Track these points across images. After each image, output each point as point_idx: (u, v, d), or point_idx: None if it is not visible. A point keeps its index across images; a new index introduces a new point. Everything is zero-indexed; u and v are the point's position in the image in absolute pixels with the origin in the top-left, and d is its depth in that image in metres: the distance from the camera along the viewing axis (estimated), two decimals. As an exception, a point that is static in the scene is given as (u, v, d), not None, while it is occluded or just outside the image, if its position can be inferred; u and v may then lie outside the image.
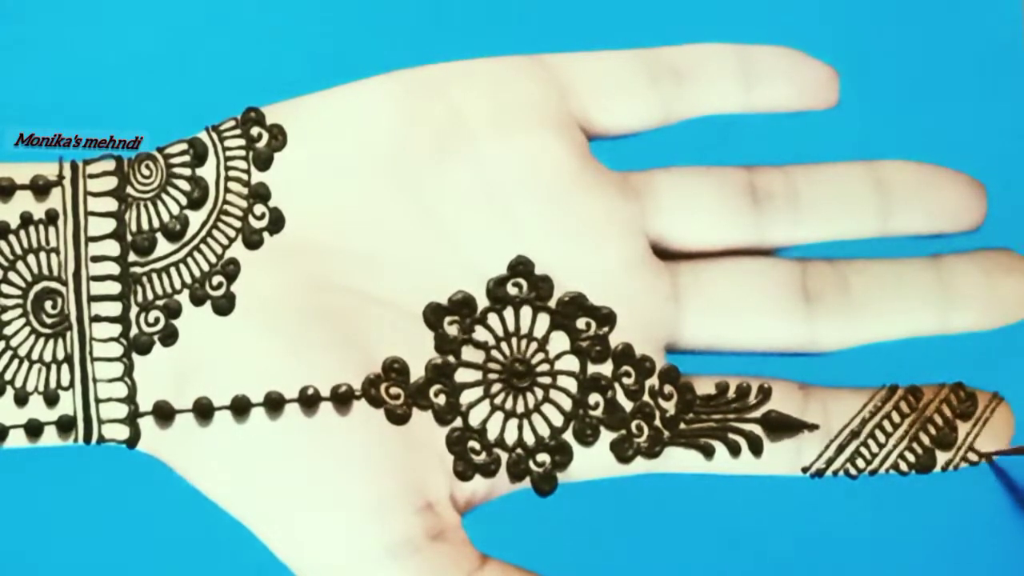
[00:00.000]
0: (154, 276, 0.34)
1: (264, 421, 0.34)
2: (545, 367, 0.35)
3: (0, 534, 0.34)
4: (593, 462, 0.35)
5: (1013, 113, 0.38)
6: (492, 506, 0.35)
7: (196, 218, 0.35)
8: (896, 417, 0.36)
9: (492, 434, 0.35)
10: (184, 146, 0.35)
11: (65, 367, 0.34)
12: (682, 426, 0.36)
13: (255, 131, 0.35)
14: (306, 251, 0.35)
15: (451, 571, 0.34)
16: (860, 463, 0.36)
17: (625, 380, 0.35)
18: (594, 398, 0.35)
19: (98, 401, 0.34)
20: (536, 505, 0.35)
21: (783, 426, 0.36)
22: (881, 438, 0.36)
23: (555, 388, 0.35)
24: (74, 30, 0.35)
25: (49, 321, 0.34)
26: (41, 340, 0.34)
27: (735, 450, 0.36)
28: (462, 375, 0.35)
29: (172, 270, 0.34)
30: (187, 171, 0.35)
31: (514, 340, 0.35)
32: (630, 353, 0.35)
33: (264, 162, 0.35)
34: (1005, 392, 0.37)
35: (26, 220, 0.34)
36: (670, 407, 0.36)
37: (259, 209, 0.35)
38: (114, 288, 0.34)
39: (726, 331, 0.36)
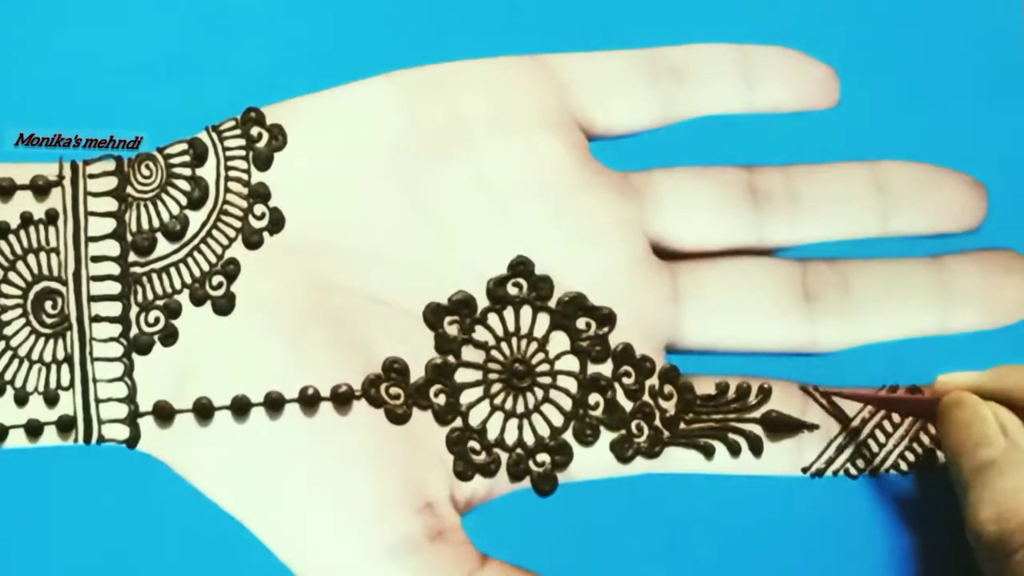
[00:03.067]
0: (154, 276, 0.34)
1: (264, 421, 0.34)
2: (545, 367, 0.35)
3: (0, 534, 0.34)
4: (593, 462, 0.35)
5: (1013, 113, 0.38)
6: (492, 506, 0.35)
7: (196, 218, 0.35)
8: (896, 417, 0.36)
9: (492, 434, 0.35)
10: (184, 146, 0.35)
11: (65, 367, 0.34)
12: (682, 426, 0.36)
13: (255, 131, 0.35)
14: (306, 251, 0.35)
15: (451, 571, 0.34)
16: (860, 463, 0.36)
17: (625, 380, 0.35)
18: (594, 398, 0.35)
19: (98, 401, 0.34)
20: (536, 505, 0.35)
21: (783, 426, 0.36)
22: (881, 438, 0.36)
23: (555, 388, 0.35)
24: (74, 30, 0.35)
25: (49, 321, 0.34)
26: (41, 340, 0.34)
27: (735, 450, 0.36)
28: (462, 375, 0.35)
29: (172, 270, 0.34)
30: (187, 171, 0.35)
31: (514, 340, 0.35)
32: (630, 353, 0.35)
33: (264, 162, 0.35)
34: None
35: (26, 220, 0.34)
36: (670, 407, 0.36)
37: (259, 209, 0.35)
38: (114, 288, 0.34)
39: (726, 331, 0.36)
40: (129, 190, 0.34)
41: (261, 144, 0.35)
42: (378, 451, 0.34)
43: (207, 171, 0.35)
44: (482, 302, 0.35)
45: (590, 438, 0.35)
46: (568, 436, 0.35)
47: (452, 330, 0.35)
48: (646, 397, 0.35)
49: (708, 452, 0.35)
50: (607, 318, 0.35)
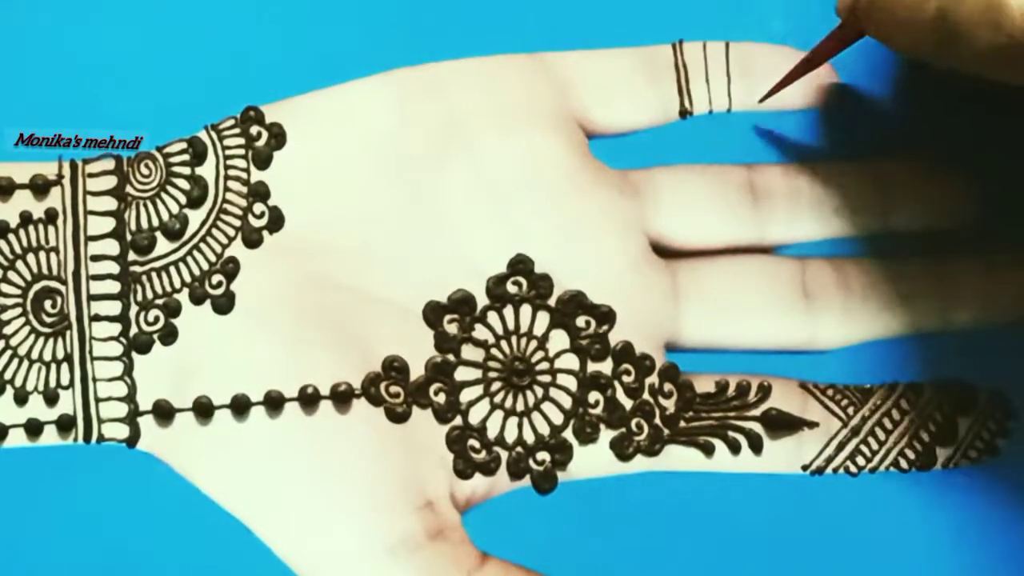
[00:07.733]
0: (154, 275, 0.34)
1: (264, 420, 0.34)
2: (545, 365, 0.35)
3: (0, 534, 0.34)
4: (593, 460, 0.35)
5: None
6: (492, 505, 0.35)
7: (196, 217, 0.35)
8: (896, 415, 0.36)
9: (492, 432, 0.35)
10: (183, 145, 0.35)
11: (65, 366, 0.34)
12: (682, 424, 0.36)
13: (254, 130, 0.35)
14: (306, 250, 0.35)
15: (451, 570, 0.34)
16: (860, 461, 0.36)
17: (625, 378, 0.35)
18: (594, 396, 0.35)
19: (98, 400, 0.34)
20: (536, 504, 0.35)
21: (783, 424, 0.36)
22: (881, 436, 0.36)
23: (555, 386, 0.35)
24: (74, 30, 0.35)
25: (49, 320, 0.34)
26: (41, 339, 0.34)
27: (735, 448, 0.36)
28: (462, 373, 0.35)
29: (172, 269, 0.34)
30: (186, 170, 0.35)
31: (514, 338, 0.35)
32: (630, 351, 0.35)
33: (264, 161, 0.35)
34: (1005, 391, 0.36)
35: (26, 219, 0.34)
36: (670, 405, 0.36)
37: (258, 208, 0.35)
38: (114, 287, 0.34)
39: (726, 329, 0.36)
40: (129, 189, 0.34)
41: (260, 143, 0.35)
42: (378, 450, 0.34)
43: (206, 170, 0.35)
44: (482, 300, 0.35)
45: (590, 436, 0.35)
46: (568, 434, 0.35)
47: (452, 328, 0.35)
48: (646, 395, 0.35)
49: (708, 450, 0.35)
50: (607, 316, 0.35)
